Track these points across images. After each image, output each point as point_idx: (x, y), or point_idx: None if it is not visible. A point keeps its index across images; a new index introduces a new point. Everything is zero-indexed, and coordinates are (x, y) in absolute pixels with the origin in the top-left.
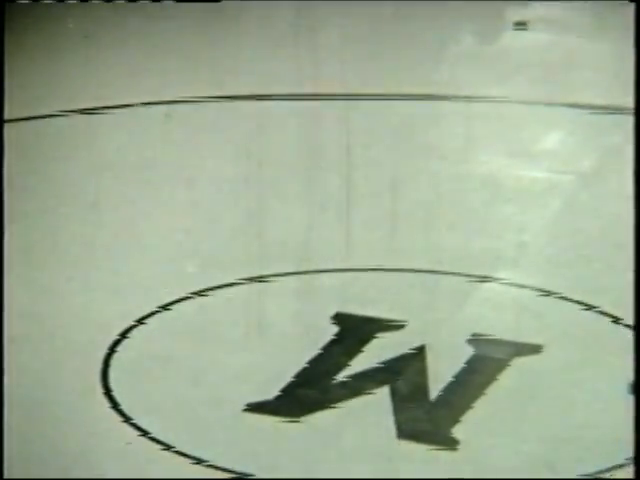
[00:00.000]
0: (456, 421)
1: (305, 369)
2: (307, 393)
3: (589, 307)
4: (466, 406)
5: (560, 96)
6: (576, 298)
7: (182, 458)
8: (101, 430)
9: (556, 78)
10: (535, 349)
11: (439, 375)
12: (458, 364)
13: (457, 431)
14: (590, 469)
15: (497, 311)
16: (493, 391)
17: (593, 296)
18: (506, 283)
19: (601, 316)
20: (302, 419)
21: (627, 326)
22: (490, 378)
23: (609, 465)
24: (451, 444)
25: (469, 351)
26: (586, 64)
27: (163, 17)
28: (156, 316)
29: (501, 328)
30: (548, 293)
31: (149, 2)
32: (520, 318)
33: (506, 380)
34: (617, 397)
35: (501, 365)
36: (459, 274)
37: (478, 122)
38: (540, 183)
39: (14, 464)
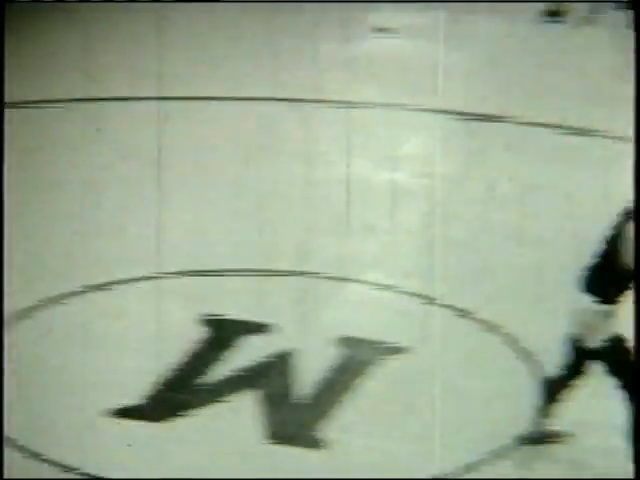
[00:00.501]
0: (323, 422)
1: (172, 373)
2: (174, 397)
3: (457, 310)
4: (333, 407)
5: (423, 101)
6: (443, 301)
7: (36, 461)
8: None
9: (418, 84)
10: (402, 351)
11: (306, 377)
12: (325, 366)
13: (324, 432)
14: (451, 468)
15: (364, 313)
16: (360, 392)
17: (459, 299)
18: (373, 286)
19: (468, 320)
20: (169, 423)
21: (482, 323)
22: (357, 379)
23: (472, 461)
24: (318, 445)
25: (336, 353)
26: (448, 70)
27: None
28: (20, 322)
29: (367, 330)
30: (414, 295)
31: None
32: (387, 320)
33: (372, 381)
34: (482, 399)
35: (368, 366)
36: (328, 277)
37: (342, 126)
38: (406, 187)
39: None
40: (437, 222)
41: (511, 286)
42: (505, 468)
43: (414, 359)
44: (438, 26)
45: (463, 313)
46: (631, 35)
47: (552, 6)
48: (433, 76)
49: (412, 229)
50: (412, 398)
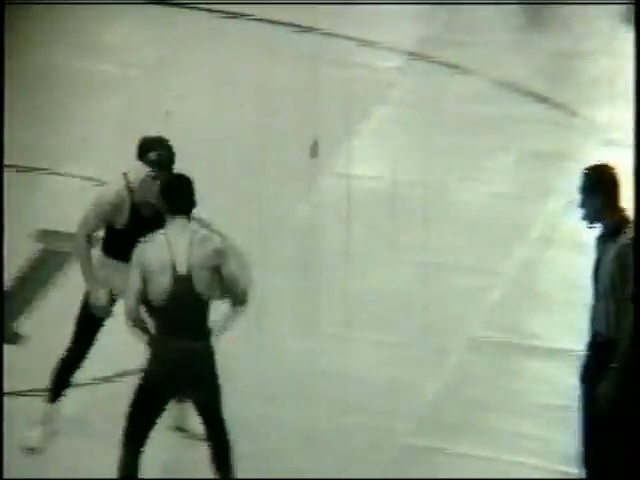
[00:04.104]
0: (21, 317)
1: None
2: None
3: None
4: (30, 302)
5: None
6: None
7: None
8: None
9: None
10: None
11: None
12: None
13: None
14: None
15: (63, 206)
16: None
17: None
18: (72, 177)
19: None
20: None
21: None
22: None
23: None
24: (17, 339)
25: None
26: None
27: None
28: None
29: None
30: None
31: None
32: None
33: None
34: None
35: (67, 261)
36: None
37: None
38: (111, 78)
39: None
40: (136, 114)
41: None
42: None
43: None
44: None
45: None
46: None
47: None
48: None
49: (114, 119)
50: None
